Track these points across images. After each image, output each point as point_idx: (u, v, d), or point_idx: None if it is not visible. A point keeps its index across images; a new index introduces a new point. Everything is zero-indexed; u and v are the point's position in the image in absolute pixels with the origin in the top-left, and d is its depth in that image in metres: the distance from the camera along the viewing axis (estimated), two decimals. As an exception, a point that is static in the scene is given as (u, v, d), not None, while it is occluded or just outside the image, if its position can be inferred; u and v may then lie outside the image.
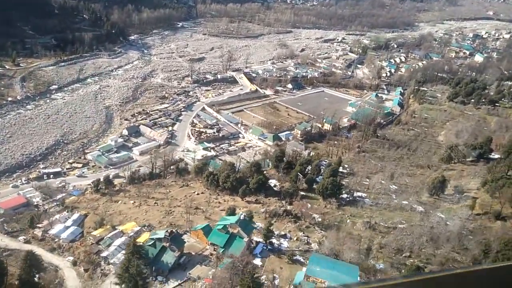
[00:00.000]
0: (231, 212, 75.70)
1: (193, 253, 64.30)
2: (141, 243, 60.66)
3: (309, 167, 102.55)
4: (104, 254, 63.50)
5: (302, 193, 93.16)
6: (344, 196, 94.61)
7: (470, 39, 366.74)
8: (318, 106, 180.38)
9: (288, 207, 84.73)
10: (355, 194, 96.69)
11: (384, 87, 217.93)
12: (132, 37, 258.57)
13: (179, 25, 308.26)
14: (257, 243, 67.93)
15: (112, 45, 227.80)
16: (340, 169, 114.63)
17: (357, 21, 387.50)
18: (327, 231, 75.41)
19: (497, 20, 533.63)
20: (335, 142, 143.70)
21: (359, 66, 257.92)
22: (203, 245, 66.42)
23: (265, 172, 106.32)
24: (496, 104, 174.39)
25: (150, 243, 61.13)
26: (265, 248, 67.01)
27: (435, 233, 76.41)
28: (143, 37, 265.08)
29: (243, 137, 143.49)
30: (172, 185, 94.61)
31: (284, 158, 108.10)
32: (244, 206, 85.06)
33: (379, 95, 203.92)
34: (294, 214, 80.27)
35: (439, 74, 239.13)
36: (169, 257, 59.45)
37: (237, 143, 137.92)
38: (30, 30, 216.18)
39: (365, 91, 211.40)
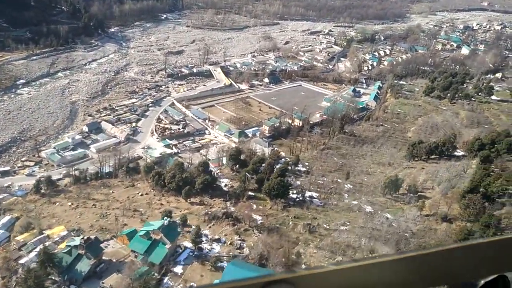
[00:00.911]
0: (167, 215, 74.04)
1: (114, 260, 62.83)
2: (55, 251, 59.14)
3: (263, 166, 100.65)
4: (23, 260, 61.93)
5: (251, 193, 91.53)
6: (294, 196, 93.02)
7: (460, 31, 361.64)
8: (293, 101, 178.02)
9: (232, 209, 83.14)
10: (306, 194, 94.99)
11: (364, 81, 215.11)
12: (112, 30, 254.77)
13: (163, 17, 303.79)
14: (185, 249, 66.38)
15: (89, 38, 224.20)
16: (300, 167, 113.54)
17: (347, 13, 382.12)
18: (263, 235, 73.83)
19: (492, 11, 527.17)
20: (304, 138, 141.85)
21: (342, 59, 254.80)
22: (128, 251, 64.95)
23: (219, 171, 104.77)
24: (472, 98, 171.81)
25: (65, 250, 59.59)
26: (191, 254, 65.43)
27: (375, 236, 74.92)
28: (124, 29, 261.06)
29: (209, 134, 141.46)
30: (117, 185, 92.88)
31: (241, 156, 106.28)
32: (186, 208, 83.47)
33: (357, 89, 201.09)
34: (234, 216, 78.60)
35: (422, 68, 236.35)
36: (84, 265, 57.94)
37: (202, 139, 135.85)
38: (4, 23, 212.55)
39: (343, 85, 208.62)
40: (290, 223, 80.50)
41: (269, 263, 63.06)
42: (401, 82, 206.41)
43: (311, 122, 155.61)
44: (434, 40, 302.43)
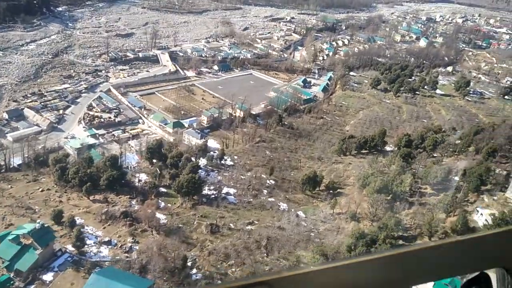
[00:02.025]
0: (57, 214, 69.42)
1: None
2: None
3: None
4: None
5: (163, 190, 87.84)
6: (210, 193, 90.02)
7: (422, 23, 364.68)
8: (240, 90, 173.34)
9: (136, 207, 79.28)
10: (224, 190, 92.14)
11: (316, 71, 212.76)
12: (60, 9, 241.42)
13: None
14: (63, 253, 62.20)
15: (32, 16, 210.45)
16: (228, 161, 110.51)
17: (312, 0, 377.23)
18: (161, 236, 70.59)
19: (457, 3, 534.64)
20: (243, 130, 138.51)
21: (299, 48, 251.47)
22: (0, 255, 60.28)
23: (136, 164, 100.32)
24: (417, 92, 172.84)
25: None
26: (69, 259, 61.39)
27: (278, 236, 73.07)
28: (73, 8, 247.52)
29: (143, 123, 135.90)
30: (20, 179, 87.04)
31: (162, 150, 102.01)
32: (86, 206, 78.89)
33: (308, 79, 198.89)
34: (133, 216, 74.79)
35: (377, 59, 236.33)
36: None
37: (133, 129, 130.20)
38: None
39: (295, 75, 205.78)
40: (195, 222, 77.52)
41: (151, 270, 59.90)
42: (352, 74, 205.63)
43: (254, 113, 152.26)
44: (394, 31, 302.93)
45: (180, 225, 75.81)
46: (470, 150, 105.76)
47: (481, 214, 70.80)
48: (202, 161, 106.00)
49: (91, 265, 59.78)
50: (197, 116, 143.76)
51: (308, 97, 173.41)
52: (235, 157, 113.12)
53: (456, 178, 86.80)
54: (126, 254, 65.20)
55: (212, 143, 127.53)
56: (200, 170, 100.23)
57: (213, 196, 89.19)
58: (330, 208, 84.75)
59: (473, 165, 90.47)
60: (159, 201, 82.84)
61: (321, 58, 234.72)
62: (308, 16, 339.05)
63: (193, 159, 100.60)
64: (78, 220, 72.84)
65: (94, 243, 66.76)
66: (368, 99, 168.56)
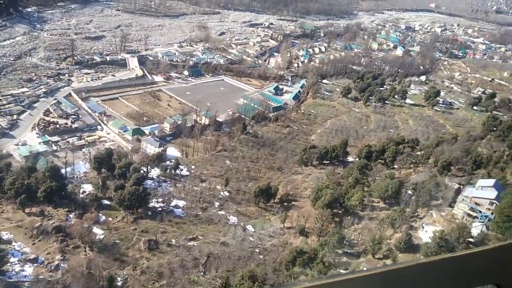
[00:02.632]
0: (-20, 230, 64.99)
1: None
2: None
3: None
4: None
5: (106, 202, 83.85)
6: (157, 205, 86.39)
7: (401, 31, 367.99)
8: (209, 96, 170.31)
9: (73, 221, 75.12)
10: (173, 203, 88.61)
11: (289, 79, 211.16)
12: (29, 9, 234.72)
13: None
14: (-23, 272, 58.09)
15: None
16: (185, 171, 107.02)
17: (292, 6, 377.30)
18: (93, 253, 66.66)
19: (438, 13, 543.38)
20: (208, 137, 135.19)
21: (275, 54, 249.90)
22: None
23: (83, 175, 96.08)
24: (386, 101, 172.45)
25: None
26: (-18, 279, 57.38)
27: (219, 253, 69.88)
28: (43, 9, 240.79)
29: (102, 130, 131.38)
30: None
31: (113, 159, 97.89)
32: (19, 219, 74.40)
33: (281, 86, 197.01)
34: (66, 231, 70.67)
35: (352, 67, 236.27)
36: None
37: (90, 136, 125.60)
38: None
39: (268, 81, 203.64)
40: (134, 238, 73.76)
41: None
42: (325, 81, 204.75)
43: (220, 120, 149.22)
44: (371, 39, 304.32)
45: (117, 241, 72.00)
46: (430, 162, 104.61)
47: (426, 231, 69.04)
48: (156, 171, 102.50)
49: (6, 287, 55.67)
50: (160, 123, 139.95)
51: (278, 104, 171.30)
52: (193, 166, 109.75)
53: (409, 192, 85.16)
54: (51, 273, 61.12)
55: (173, 151, 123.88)
56: (151, 181, 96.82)
57: (160, 209, 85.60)
58: (281, 222, 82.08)
59: (427, 178, 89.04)
60: (100, 214, 78.90)
61: (296, 65, 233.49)
62: (287, 22, 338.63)
63: (144, 169, 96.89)
64: (6, 236, 68.54)
65: (18, 260, 62.54)
66: (337, 107, 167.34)
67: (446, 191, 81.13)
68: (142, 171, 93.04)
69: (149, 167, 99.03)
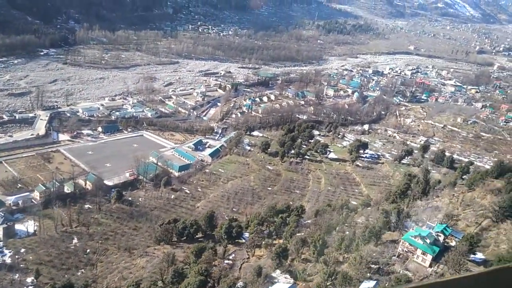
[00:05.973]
0: None
1: None
2: None
3: None
4: None
5: None
6: None
7: (367, 76, 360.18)
8: (116, 155, 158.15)
9: None
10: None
11: (219, 131, 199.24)
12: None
13: (42, 53, 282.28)
14: None
15: None
16: (8, 259, 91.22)
17: (258, 54, 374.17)
18: None
19: (416, 55, 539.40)
20: (89, 207, 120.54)
21: (219, 104, 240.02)
22: None
23: None
24: (306, 156, 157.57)
25: None
26: None
27: None
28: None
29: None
30: None
31: None
32: None
33: (205, 140, 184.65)
34: None
35: (298, 116, 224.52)
36: None
37: None
38: None
39: (193, 135, 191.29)
40: None
41: None
42: (255, 134, 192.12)
43: (110, 184, 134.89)
44: (326, 86, 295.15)
45: None
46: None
47: None
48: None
49: None
50: (32, 192, 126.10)
51: (189, 161, 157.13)
52: (23, 249, 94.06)
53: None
54: None
55: (29, 226, 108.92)
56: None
57: None
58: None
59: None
60: None
61: (234, 115, 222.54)
62: (248, 70, 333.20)
63: None
64: None
65: None
66: (250, 164, 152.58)
67: None
68: None
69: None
